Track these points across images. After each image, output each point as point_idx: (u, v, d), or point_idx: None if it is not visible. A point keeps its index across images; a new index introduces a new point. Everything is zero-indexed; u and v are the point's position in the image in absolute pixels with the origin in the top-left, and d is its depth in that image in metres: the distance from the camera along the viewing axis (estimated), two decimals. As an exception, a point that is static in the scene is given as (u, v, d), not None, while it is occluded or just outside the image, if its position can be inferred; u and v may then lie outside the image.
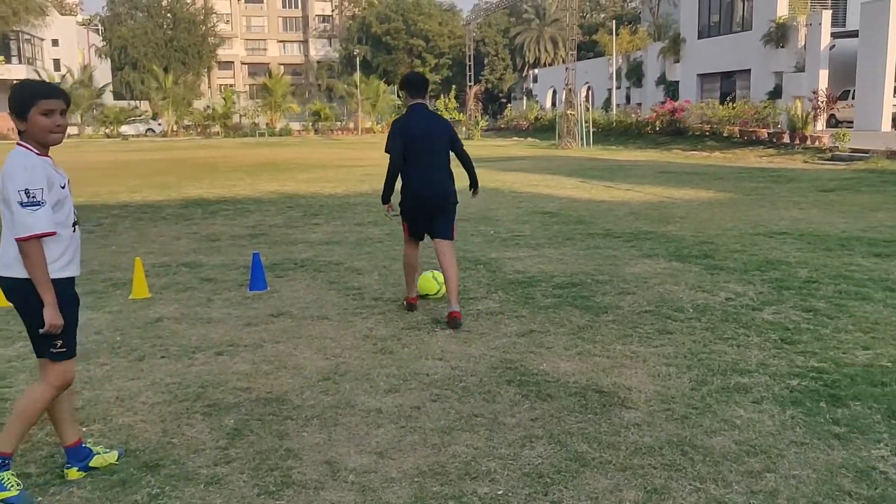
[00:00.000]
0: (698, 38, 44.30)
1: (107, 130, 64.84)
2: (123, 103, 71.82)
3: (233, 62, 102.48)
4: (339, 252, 9.82)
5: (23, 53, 68.39)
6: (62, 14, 75.68)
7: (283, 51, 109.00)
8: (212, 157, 32.65)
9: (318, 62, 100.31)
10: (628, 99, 56.27)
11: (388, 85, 73.98)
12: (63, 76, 65.12)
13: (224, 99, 69.20)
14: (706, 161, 26.54)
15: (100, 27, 79.63)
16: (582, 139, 38.64)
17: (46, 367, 3.61)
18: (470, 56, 65.65)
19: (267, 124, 68.43)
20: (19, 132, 3.52)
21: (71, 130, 64.44)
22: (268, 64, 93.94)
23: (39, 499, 3.55)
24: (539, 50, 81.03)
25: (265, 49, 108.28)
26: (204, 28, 78.12)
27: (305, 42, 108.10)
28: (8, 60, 66.73)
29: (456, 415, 4.47)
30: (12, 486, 3.49)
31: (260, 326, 6.43)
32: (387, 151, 6.49)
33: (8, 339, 6.15)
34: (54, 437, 4.02)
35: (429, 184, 6.47)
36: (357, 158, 31.11)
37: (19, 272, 3.46)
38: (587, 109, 41.93)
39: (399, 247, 10.06)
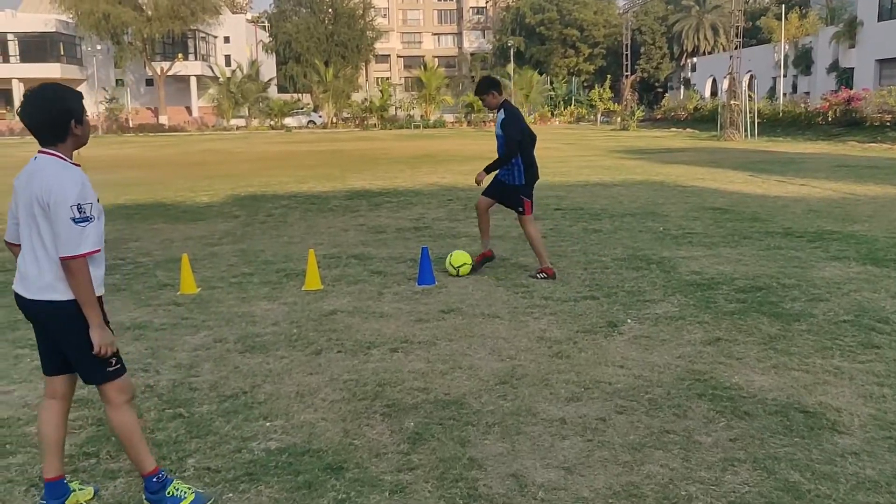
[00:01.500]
0: (878, 20, 41.14)
1: (271, 122, 67.87)
2: (287, 96, 74.96)
3: (389, 55, 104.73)
4: (503, 247, 9.65)
5: (198, 50, 72.73)
6: (234, 13, 79.84)
7: (438, 43, 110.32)
8: (371, 149, 33.42)
9: (471, 54, 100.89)
10: (795, 88, 53.19)
11: (541, 75, 73.39)
12: (233, 71, 68.72)
13: (381, 91, 70.92)
14: (888, 154, 24.57)
15: (267, 24, 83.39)
16: (746, 130, 36.78)
17: (106, 391, 3.39)
18: (626, 45, 64.01)
19: (421, 116, 69.54)
20: (54, 141, 3.24)
21: (239, 122, 67.98)
22: (423, 56, 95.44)
23: (229, 494, 3.56)
24: (698, 38, 77.88)
25: (420, 42, 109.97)
26: (363, 22, 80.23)
27: (459, 34, 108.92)
28: (185, 57, 71.13)
29: (646, 430, 4.17)
30: (185, 492, 3.44)
31: (431, 323, 6.34)
32: (514, 139, 7.56)
33: (193, 328, 6.35)
34: (237, 431, 4.03)
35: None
36: (512, 150, 30.91)
37: (63, 294, 3.21)
38: (751, 99, 39.86)
39: (564, 242, 9.78)
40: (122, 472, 3.79)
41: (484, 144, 35.85)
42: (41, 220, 3.18)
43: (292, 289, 7.66)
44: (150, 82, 72.74)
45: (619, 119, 59.48)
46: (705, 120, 47.42)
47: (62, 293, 3.21)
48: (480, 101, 7.91)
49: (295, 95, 76.43)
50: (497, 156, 7.83)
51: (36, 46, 67.86)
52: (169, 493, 3.41)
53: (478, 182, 7.96)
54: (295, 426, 4.32)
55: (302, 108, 72.90)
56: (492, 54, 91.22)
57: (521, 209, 7.91)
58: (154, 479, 3.43)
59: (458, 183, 17.78)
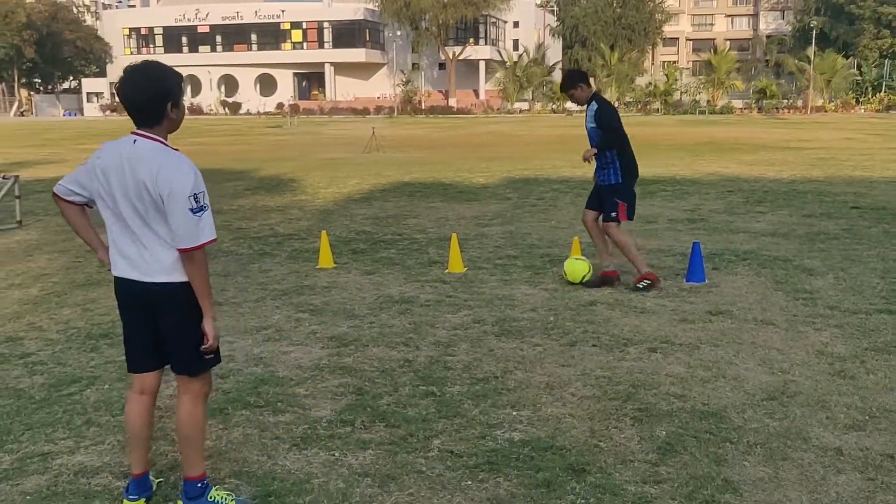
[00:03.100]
0: None
1: (553, 106, 68.36)
2: (570, 80, 74.92)
3: (677, 38, 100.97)
4: (786, 247, 8.85)
5: (488, 35, 75.04)
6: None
7: (731, 25, 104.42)
8: (651, 135, 32.44)
9: (767, 36, 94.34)
10: None
11: (847, 59, 66.80)
12: (520, 55, 70.11)
13: (666, 76, 68.74)
14: None
15: (555, 8, 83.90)
16: None
17: (194, 382, 3.31)
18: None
19: (708, 102, 66.39)
20: (150, 123, 3.10)
21: (522, 106, 69.28)
22: (713, 39, 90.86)
23: (468, 482, 3.55)
24: None
25: (712, 24, 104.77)
26: (652, 5, 78.03)
27: (755, 16, 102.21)
28: (476, 42, 73.75)
29: (943, 475, 3.56)
30: (225, 499, 3.35)
31: (697, 324, 5.94)
32: (615, 128, 6.83)
33: (455, 307, 6.49)
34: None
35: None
36: (806, 140, 28.50)
37: (184, 276, 3.14)
38: None
39: (859, 246, 8.76)
40: (372, 444, 3.93)
41: (775, 133, 33.39)
42: (152, 209, 3.06)
43: (554, 275, 7.58)
44: (442, 66, 76.37)
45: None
46: None
47: (183, 275, 3.14)
48: (569, 98, 7.07)
49: (578, 79, 76.21)
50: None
51: (346, 33, 74.09)
52: (210, 499, 3.33)
53: (586, 159, 6.93)
54: (541, 419, 4.23)
55: (584, 93, 72.59)
56: (790, 36, 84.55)
57: (613, 214, 6.94)
58: (198, 484, 3.34)
59: (742, 173, 16.68)
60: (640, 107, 67.88)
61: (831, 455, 3.76)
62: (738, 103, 66.45)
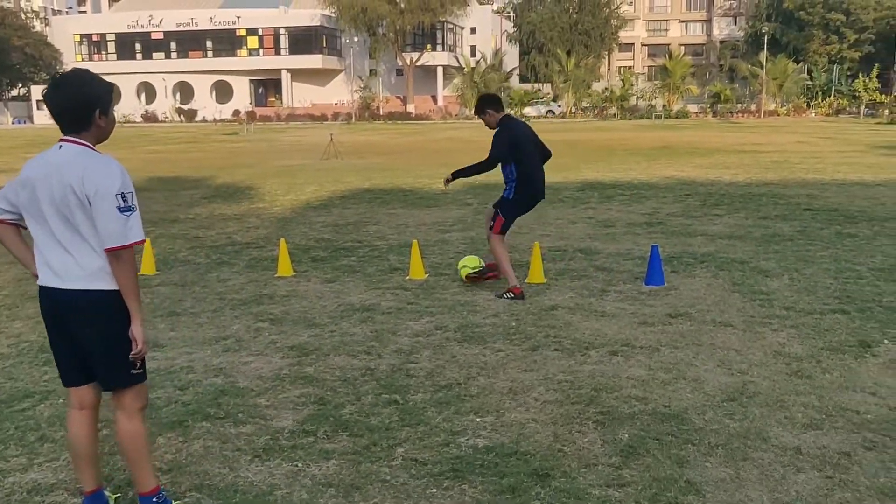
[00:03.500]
0: None
1: (511, 112, 68.70)
2: (528, 86, 75.55)
3: (633, 44, 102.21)
4: (743, 249, 8.99)
5: (445, 41, 75.21)
6: (480, 3, 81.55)
7: (685, 31, 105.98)
8: (608, 139, 32.79)
9: (720, 42, 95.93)
10: None
11: (798, 64, 68.24)
12: (478, 61, 70.35)
13: (622, 81, 69.51)
14: None
15: (512, 14, 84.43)
16: None
17: (124, 396, 3.22)
18: (902, 29, 57.72)
19: (664, 106, 67.28)
20: (78, 129, 3.08)
21: (480, 112, 69.42)
22: (668, 45, 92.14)
23: (433, 490, 3.53)
24: None
25: (667, 30, 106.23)
26: (608, 11, 78.92)
27: (709, 21, 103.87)
28: (433, 48, 73.88)
29: (899, 472, 3.63)
30: None
31: (656, 327, 6.00)
32: (495, 156, 7.03)
33: (417, 314, 6.47)
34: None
35: (542, 180, 7.24)
36: (760, 143, 29.04)
37: (109, 283, 3.06)
38: None
39: (812, 247, 8.93)
40: (336, 453, 3.89)
41: (729, 137, 33.96)
42: (78, 211, 3.00)
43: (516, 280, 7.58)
44: (399, 72, 76.32)
45: (886, 112, 53.91)
46: None
47: (108, 283, 3.07)
48: (483, 121, 7.32)
49: (536, 85, 76.86)
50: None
51: (303, 39, 73.69)
52: None
53: (445, 183, 7.44)
54: (505, 424, 4.22)
55: (542, 98, 73.17)
56: (743, 42, 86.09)
57: (491, 224, 7.28)
58: (153, 499, 3.28)
59: (698, 177, 16.92)
60: (596, 112, 68.58)
61: (790, 454, 3.82)
62: (693, 108, 67.51)
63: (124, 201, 2.99)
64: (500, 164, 7.13)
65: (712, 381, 4.83)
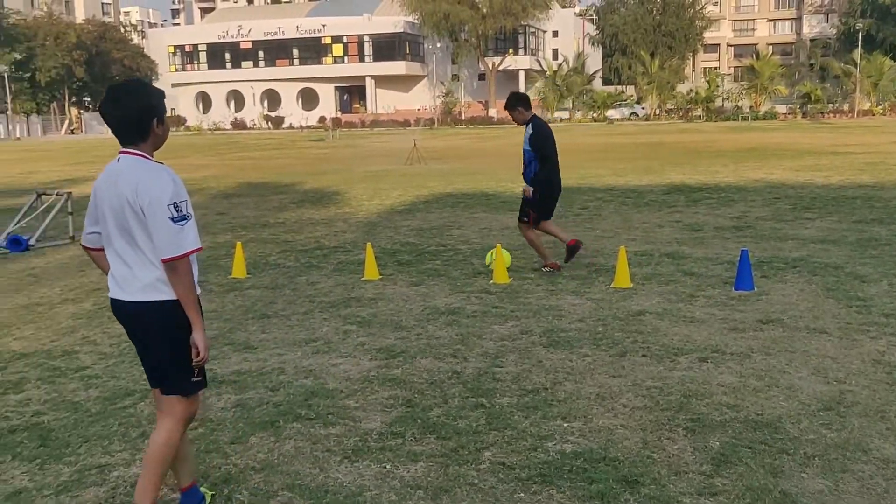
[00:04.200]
0: None
1: (594, 114, 68.03)
2: (610, 88, 74.74)
3: (718, 44, 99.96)
4: (837, 253, 8.69)
5: (527, 45, 75.10)
6: (562, 7, 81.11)
7: (773, 30, 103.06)
8: (694, 142, 32.13)
9: (811, 40, 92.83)
10: None
11: (894, 61, 65.44)
12: (559, 65, 69.98)
13: (708, 82, 67.99)
14: None
15: (594, 17, 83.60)
16: None
17: (174, 403, 3.24)
18: None
19: (751, 107, 65.55)
20: (136, 140, 3.12)
21: (562, 115, 69.10)
22: (755, 44, 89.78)
23: (521, 494, 3.54)
24: None
25: (754, 29, 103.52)
26: (692, 11, 77.32)
27: (798, 19, 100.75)
28: (515, 52, 73.85)
29: None
30: None
31: (747, 333, 5.86)
32: (548, 154, 7.81)
33: (502, 317, 6.49)
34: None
35: (560, 178, 8.10)
36: (853, 144, 27.98)
37: (167, 294, 3.09)
38: None
39: None
40: (423, 456, 3.94)
41: (821, 138, 32.83)
42: (134, 222, 3.04)
43: (601, 285, 7.53)
44: (482, 77, 76.55)
45: None
46: None
47: (166, 293, 3.09)
48: (510, 116, 7.92)
49: (619, 87, 75.93)
50: (522, 170, 8.08)
51: (386, 46, 74.79)
52: None
53: (524, 193, 7.97)
54: (593, 430, 4.20)
55: (625, 101, 72.24)
56: (835, 39, 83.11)
57: (525, 219, 8.06)
58: None
59: (788, 180, 16.42)
60: (681, 114, 67.24)
61: (893, 467, 3.67)
62: (781, 108, 65.49)
63: (177, 211, 3.00)
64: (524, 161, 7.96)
65: (807, 389, 4.69)
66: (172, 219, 2.98)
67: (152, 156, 3.16)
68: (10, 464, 4.02)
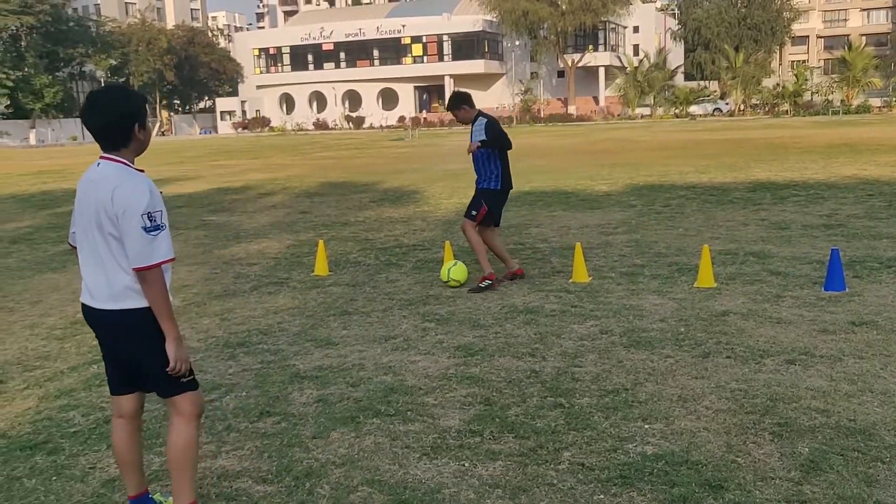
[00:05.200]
0: None
1: (676, 111, 66.74)
2: (693, 84, 73.17)
3: (807, 36, 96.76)
4: (936, 253, 8.29)
5: (607, 41, 74.16)
6: (643, 2, 79.78)
7: (867, 20, 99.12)
8: (780, 137, 31.15)
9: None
10: None
11: None
12: (640, 60, 68.90)
13: (796, 76, 65.94)
14: None
15: (676, 11, 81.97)
16: None
17: (180, 401, 3.20)
18: None
19: (842, 101, 63.21)
20: (117, 146, 3.08)
21: (643, 111, 68.00)
22: (847, 35, 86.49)
23: (600, 496, 3.49)
24: None
25: (846, 20, 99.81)
26: (779, 3, 75.03)
27: (894, 8, 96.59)
28: (595, 48, 73.01)
29: None
30: None
31: (838, 335, 5.64)
32: (506, 145, 7.53)
33: (581, 317, 6.42)
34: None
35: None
36: (956, 139, 26.65)
37: (138, 301, 3.05)
38: None
39: None
40: (502, 455, 3.93)
41: (920, 132, 31.39)
42: (107, 229, 3.02)
43: (683, 284, 7.37)
44: (560, 74, 76.00)
45: None
46: None
47: (136, 301, 3.06)
48: (455, 117, 7.72)
49: (701, 83, 74.28)
50: (474, 168, 7.69)
51: (465, 45, 75.01)
52: None
53: (471, 152, 7.53)
54: (674, 432, 4.11)
55: (708, 96, 70.62)
56: (935, 28, 79.44)
57: (474, 213, 7.61)
58: None
59: (883, 176, 15.75)
60: (767, 109, 65.39)
61: None
62: (876, 102, 62.99)
63: (151, 221, 2.97)
64: (472, 157, 7.60)
65: (904, 395, 4.49)
66: (146, 228, 2.96)
67: (133, 162, 3.13)
68: (104, 452, 4.19)
